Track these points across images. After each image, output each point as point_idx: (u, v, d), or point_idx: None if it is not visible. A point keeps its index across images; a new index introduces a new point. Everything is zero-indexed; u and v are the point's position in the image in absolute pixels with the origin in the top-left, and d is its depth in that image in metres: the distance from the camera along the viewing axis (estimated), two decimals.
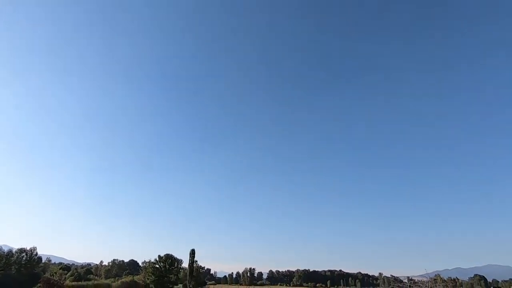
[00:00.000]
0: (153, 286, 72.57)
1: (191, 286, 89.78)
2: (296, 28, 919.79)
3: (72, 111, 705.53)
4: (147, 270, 75.91)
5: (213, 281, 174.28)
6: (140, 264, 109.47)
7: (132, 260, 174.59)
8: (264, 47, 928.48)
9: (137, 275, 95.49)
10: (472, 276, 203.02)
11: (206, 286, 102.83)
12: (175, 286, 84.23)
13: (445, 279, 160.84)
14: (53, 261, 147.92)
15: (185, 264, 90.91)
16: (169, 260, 77.07)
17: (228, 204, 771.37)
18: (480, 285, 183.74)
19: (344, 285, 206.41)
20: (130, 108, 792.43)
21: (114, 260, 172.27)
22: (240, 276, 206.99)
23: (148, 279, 75.00)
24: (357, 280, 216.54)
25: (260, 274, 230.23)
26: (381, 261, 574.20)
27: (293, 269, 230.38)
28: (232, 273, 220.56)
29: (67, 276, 79.77)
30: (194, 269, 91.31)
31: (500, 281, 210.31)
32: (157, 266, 74.74)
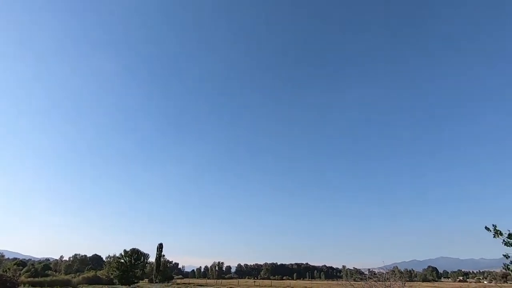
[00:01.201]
0: (117, 281, 70.32)
1: (157, 280, 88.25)
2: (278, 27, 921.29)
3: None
4: (111, 265, 73.27)
5: (181, 276, 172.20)
6: (104, 259, 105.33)
7: (96, 255, 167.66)
8: (249, 46, 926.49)
9: (101, 270, 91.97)
10: (426, 267, 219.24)
11: (173, 280, 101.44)
12: (140, 281, 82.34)
13: (402, 270, 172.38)
14: (6, 257, 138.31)
15: (152, 259, 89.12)
16: (135, 255, 74.95)
17: (197, 198, 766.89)
18: (432, 276, 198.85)
19: (309, 278, 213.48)
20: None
21: (75, 255, 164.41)
22: (208, 270, 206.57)
23: (112, 274, 72.52)
24: (322, 273, 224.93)
25: (229, 267, 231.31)
26: (345, 255, 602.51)
27: (261, 262, 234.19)
28: (200, 267, 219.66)
29: (22, 272, 74.77)
30: (161, 263, 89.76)
31: (449, 271, 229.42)
32: (122, 261, 72.39)
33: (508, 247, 10.21)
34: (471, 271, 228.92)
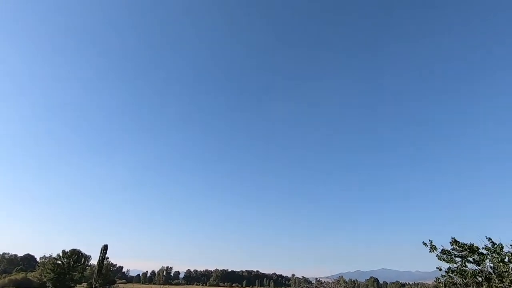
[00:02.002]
0: (50, 285, 64.08)
1: (97, 285, 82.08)
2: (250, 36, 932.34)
3: None
4: (46, 267, 66.70)
5: (124, 280, 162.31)
6: (38, 259, 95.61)
7: (28, 254, 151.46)
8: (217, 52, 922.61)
9: (33, 271, 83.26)
10: (368, 278, 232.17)
11: (115, 285, 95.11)
12: (77, 285, 76.00)
13: (346, 280, 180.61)
14: None
15: (95, 261, 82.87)
16: (75, 256, 69.21)
17: (147, 198, 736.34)
18: (373, 286, 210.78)
19: (258, 285, 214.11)
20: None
21: (3, 254, 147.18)
22: (155, 275, 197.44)
23: (45, 276, 65.96)
24: (271, 281, 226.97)
25: (177, 273, 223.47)
26: (295, 263, 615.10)
27: (212, 268, 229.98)
28: (147, 271, 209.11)
29: None
30: (103, 266, 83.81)
31: (388, 282, 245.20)
32: (59, 262, 66.34)
33: (441, 261, 11.19)
34: (407, 282, 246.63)
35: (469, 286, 10.14)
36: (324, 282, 17.92)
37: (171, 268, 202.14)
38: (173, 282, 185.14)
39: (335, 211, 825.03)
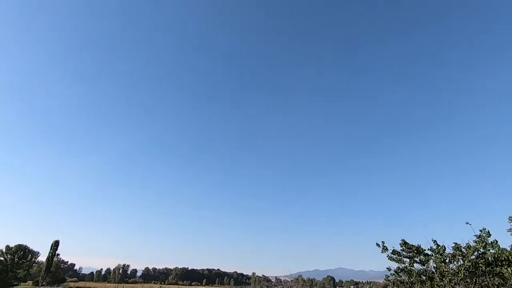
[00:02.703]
0: None
1: (44, 283, 76.58)
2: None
3: None
4: None
5: (76, 278, 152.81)
6: None
7: None
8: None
9: None
10: (325, 277, 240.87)
11: (65, 283, 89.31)
12: (22, 283, 70.27)
13: (305, 279, 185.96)
14: None
15: (44, 258, 77.14)
16: (21, 252, 63.78)
17: (104, 197, 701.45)
18: (330, 285, 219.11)
19: (218, 284, 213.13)
20: None
21: None
22: (110, 273, 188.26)
23: None
24: (232, 279, 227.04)
25: (135, 271, 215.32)
26: (256, 262, 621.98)
27: (172, 266, 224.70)
28: (102, 269, 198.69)
29: None
30: (53, 263, 78.37)
31: (344, 281, 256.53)
32: (2, 258, 60.75)
33: (391, 261, 12.00)
34: (361, 281, 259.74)
35: (414, 284, 10.99)
36: (284, 280, 18.35)
37: (128, 266, 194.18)
38: (130, 281, 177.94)
39: (296, 214, 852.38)
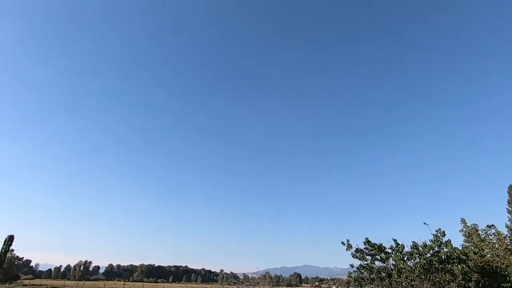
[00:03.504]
0: None
1: None
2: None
3: None
4: None
5: (31, 275, 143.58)
6: None
7: None
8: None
9: None
10: (292, 273, 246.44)
11: (19, 281, 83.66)
12: None
13: (272, 276, 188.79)
14: None
15: None
16: None
17: (65, 189, 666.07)
18: (296, 281, 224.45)
19: (185, 281, 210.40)
20: None
21: None
22: (70, 269, 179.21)
23: None
24: (199, 276, 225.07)
25: (97, 268, 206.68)
26: (225, 259, 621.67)
27: (137, 263, 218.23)
28: (61, 266, 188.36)
29: None
30: (6, 259, 73.09)
31: (310, 278, 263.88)
32: None
33: (355, 259, 12.53)
34: (326, 278, 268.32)
35: (374, 280, 11.58)
36: (251, 277, 18.50)
37: (90, 262, 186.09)
38: (91, 278, 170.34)
39: (263, 211, 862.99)
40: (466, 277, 10.49)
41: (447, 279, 10.45)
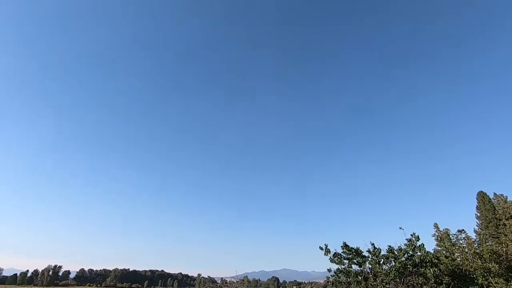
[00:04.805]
0: None
1: None
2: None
3: None
4: None
5: None
6: None
7: None
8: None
9: None
10: (270, 277, 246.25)
11: None
12: None
13: (250, 280, 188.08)
14: None
15: None
16: None
17: (34, 189, 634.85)
18: (274, 285, 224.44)
19: (161, 285, 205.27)
20: None
21: None
22: (38, 274, 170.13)
23: None
24: (176, 280, 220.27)
25: (67, 272, 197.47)
26: (202, 263, 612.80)
27: (111, 267, 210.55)
28: (28, 270, 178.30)
29: None
30: None
31: (287, 282, 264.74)
32: None
33: (332, 263, 12.68)
34: (304, 281, 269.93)
35: (351, 284, 11.76)
36: (229, 281, 18.28)
37: (59, 267, 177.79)
38: (60, 283, 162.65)
39: (242, 214, 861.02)
40: (437, 280, 10.87)
41: (420, 282, 10.80)
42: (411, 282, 11.02)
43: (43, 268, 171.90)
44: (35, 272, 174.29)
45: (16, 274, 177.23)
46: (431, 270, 10.74)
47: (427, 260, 11.22)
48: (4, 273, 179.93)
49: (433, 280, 10.65)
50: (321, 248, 12.89)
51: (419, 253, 11.58)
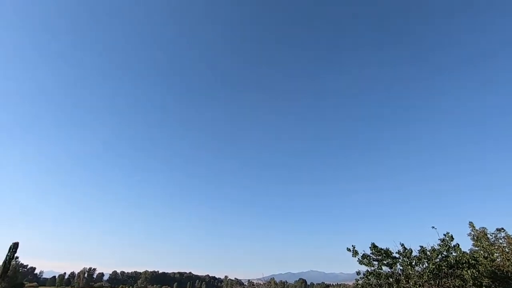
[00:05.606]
0: None
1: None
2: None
3: None
4: None
5: (36, 283, 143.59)
6: None
7: None
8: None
9: None
10: (298, 279, 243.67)
11: None
12: None
13: (277, 282, 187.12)
14: None
15: (0, 261, 71.84)
16: None
17: (70, 197, 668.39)
18: (301, 287, 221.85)
19: (189, 287, 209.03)
20: None
21: None
22: (74, 277, 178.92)
23: None
24: (203, 283, 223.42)
25: (101, 275, 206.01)
26: (230, 265, 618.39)
27: (141, 270, 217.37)
28: (65, 273, 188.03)
29: None
30: (11, 267, 73.20)
31: (315, 283, 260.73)
32: None
33: (361, 265, 12.30)
34: (331, 283, 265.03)
35: (382, 286, 11.34)
36: (256, 283, 18.26)
37: (94, 269, 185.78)
38: (95, 285, 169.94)
39: (269, 217, 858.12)
40: (476, 282, 10.24)
41: (457, 285, 10.21)
42: (447, 285, 10.44)
43: (79, 271, 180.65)
44: (72, 274, 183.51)
45: (55, 277, 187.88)
46: (469, 271, 10.12)
47: (464, 261, 10.57)
48: (44, 275, 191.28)
49: (471, 282, 10.03)
50: (348, 250, 12.55)
51: (454, 254, 10.95)
